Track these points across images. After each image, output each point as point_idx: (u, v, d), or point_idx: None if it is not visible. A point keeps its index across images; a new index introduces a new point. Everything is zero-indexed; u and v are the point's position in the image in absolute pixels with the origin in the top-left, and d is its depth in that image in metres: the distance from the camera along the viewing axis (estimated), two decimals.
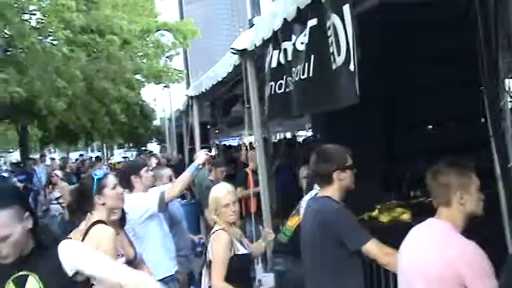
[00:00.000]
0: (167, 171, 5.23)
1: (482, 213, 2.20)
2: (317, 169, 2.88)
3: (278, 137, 15.80)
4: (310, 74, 3.07)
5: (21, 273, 1.96)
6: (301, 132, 17.98)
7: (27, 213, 1.99)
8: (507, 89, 3.39)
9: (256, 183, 5.04)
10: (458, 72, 3.93)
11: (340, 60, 2.46)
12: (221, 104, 9.08)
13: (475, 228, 2.18)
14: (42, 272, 1.98)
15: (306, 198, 3.42)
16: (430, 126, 4.79)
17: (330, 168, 2.80)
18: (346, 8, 2.37)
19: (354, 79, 2.32)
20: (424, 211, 2.39)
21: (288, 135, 18.05)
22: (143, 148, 26.21)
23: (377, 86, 4.25)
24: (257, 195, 4.93)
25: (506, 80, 3.37)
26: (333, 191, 2.82)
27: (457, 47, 3.70)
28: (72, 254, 2.03)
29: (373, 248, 2.60)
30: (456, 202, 2.12)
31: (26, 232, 1.97)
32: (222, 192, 3.35)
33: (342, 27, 2.41)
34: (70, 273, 2.01)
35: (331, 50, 2.58)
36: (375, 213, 4.30)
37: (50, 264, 2.00)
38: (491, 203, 2.78)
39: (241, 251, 3.28)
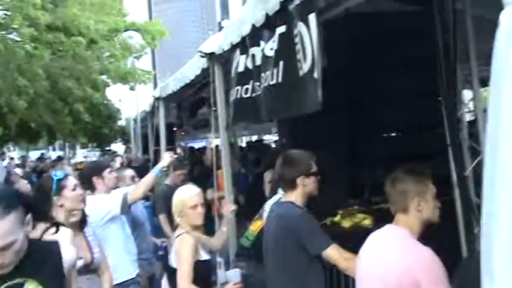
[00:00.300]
0: (129, 172, 5.20)
1: (439, 220, 2.27)
2: (282, 174, 2.91)
3: (246, 140, 15.87)
4: (279, 80, 3.11)
5: (16, 281, 1.83)
6: (267, 136, 18.08)
7: (28, 216, 1.87)
8: (464, 100, 3.52)
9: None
10: (420, 81, 4.06)
11: (306, 67, 2.51)
12: (188, 106, 9.07)
13: (431, 235, 2.25)
14: (42, 277, 1.87)
15: (270, 202, 3.45)
16: (393, 134, 4.91)
17: (294, 174, 2.84)
18: (312, 17, 2.42)
19: (317, 86, 2.36)
20: (385, 217, 2.44)
21: (255, 138, 18.12)
22: (107, 148, 25.84)
23: (342, 93, 4.34)
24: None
25: (464, 91, 3.51)
26: (296, 196, 2.86)
27: (419, 57, 3.82)
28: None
29: (333, 253, 2.65)
30: (413, 209, 2.18)
31: (26, 237, 1.86)
32: (189, 194, 3.31)
33: (308, 35, 2.46)
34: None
35: (298, 57, 2.63)
36: (337, 218, 4.37)
37: (50, 267, 1.91)
38: (448, 210, 2.88)
39: (204, 257, 3.27)
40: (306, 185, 2.85)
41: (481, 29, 3.00)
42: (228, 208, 3.88)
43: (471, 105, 3.59)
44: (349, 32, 4.56)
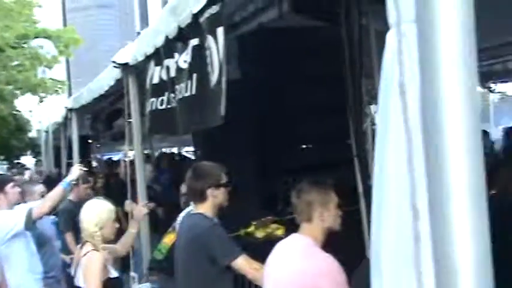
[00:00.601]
0: (39, 187, 4.96)
1: (342, 228, 2.38)
2: (191, 186, 2.92)
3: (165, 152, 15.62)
4: (193, 92, 3.12)
5: None
6: (188, 148, 17.93)
7: None
8: (371, 114, 3.73)
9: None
10: (330, 95, 4.22)
11: (213, 80, 2.54)
12: (104, 117, 8.82)
13: (337, 242, 2.35)
14: None
15: (182, 214, 3.44)
16: (304, 146, 5.07)
17: (204, 185, 2.86)
18: (220, 30, 2.46)
19: (220, 100, 2.40)
20: (297, 227, 2.51)
21: (175, 150, 17.90)
22: (16, 161, 24.39)
23: (255, 105, 4.42)
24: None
25: (371, 106, 3.71)
26: (206, 208, 2.88)
27: (329, 72, 3.98)
28: None
29: (243, 263, 2.69)
30: (317, 218, 2.28)
31: None
32: (104, 208, 3.24)
33: (216, 48, 2.50)
34: None
35: (208, 70, 2.66)
36: (251, 229, 4.42)
37: None
38: (354, 219, 3.01)
39: (113, 274, 3.19)
40: (216, 196, 2.88)
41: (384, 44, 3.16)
42: (141, 210, 3.79)
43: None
44: (264, 46, 4.66)
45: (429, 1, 0.65)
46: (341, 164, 3.86)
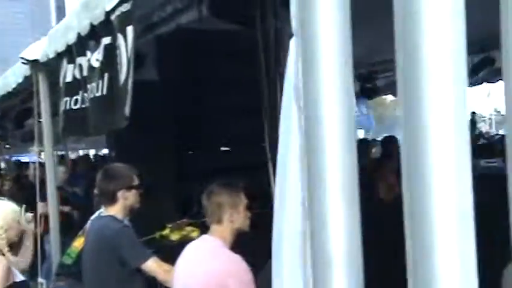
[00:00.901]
0: None
1: (251, 229, 2.43)
2: (102, 188, 2.87)
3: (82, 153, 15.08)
4: (104, 92, 3.05)
5: None
6: (105, 150, 17.39)
7: None
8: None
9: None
10: (247, 98, 4.27)
11: (121, 80, 2.50)
12: (13, 116, 8.35)
13: (247, 244, 2.39)
14: None
15: (92, 217, 3.35)
16: (221, 149, 5.10)
17: (114, 187, 2.81)
18: (130, 29, 2.43)
19: (126, 101, 2.37)
20: None
21: (92, 152, 17.33)
22: None
23: (171, 107, 4.39)
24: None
25: None
26: (116, 210, 2.83)
27: (247, 75, 4.03)
28: None
29: (153, 265, 2.68)
30: (226, 220, 2.31)
31: None
32: (8, 209, 3.10)
33: (125, 48, 2.46)
34: None
35: (118, 69, 2.61)
36: (166, 232, 4.38)
37: None
38: (265, 221, 3.07)
39: (19, 278, 3.04)
40: (127, 198, 2.84)
41: None
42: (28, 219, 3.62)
43: None
44: (183, 47, 4.63)
45: (309, 16, 0.69)
46: (258, 167, 3.92)
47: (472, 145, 0.56)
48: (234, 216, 2.30)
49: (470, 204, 0.49)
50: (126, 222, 2.89)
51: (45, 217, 5.12)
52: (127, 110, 2.34)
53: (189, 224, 4.43)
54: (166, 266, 2.67)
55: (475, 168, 0.57)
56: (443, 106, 0.48)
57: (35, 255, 3.66)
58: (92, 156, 14.35)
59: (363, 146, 6.26)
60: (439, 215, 0.48)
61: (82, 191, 6.85)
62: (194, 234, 4.35)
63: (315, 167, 0.70)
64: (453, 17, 0.46)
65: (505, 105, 0.55)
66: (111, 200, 2.83)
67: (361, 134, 14.73)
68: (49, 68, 4.34)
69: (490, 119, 34.99)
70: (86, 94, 3.55)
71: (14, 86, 5.25)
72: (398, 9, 0.49)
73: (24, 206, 3.51)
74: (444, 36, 0.45)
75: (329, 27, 0.65)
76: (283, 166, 1.42)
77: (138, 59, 4.54)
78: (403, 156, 0.50)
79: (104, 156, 13.63)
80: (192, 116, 4.38)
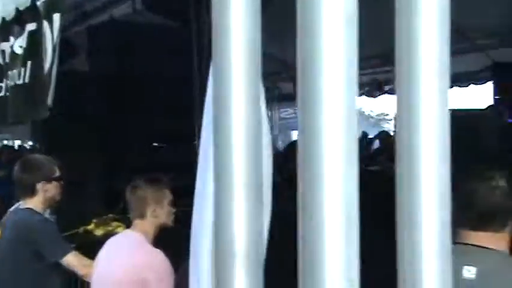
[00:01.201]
0: None
1: (177, 226, 2.42)
2: (20, 179, 2.77)
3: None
4: (26, 81, 2.94)
5: None
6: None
7: None
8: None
9: None
10: (180, 95, 4.25)
11: (46, 68, 2.43)
12: None
13: (170, 240, 2.39)
14: None
15: (10, 210, 3.22)
16: (152, 144, 5.04)
17: (34, 179, 2.73)
18: (57, 17, 2.36)
19: (49, 91, 2.30)
20: None
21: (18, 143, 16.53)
22: None
23: (102, 99, 4.30)
24: None
25: None
26: (36, 203, 2.75)
27: (182, 71, 4.00)
28: None
29: (72, 259, 2.64)
30: (150, 215, 2.30)
31: None
32: None
33: (50, 36, 2.39)
34: None
35: (43, 58, 2.53)
36: (91, 226, 4.27)
37: None
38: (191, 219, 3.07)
39: None
40: (48, 191, 2.77)
41: None
42: None
43: None
44: (116, 40, 4.54)
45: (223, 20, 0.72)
46: (189, 164, 3.91)
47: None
48: (157, 211, 2.30)
49: (356, 201, 0.54)
50: (47, 215, 2.81)
51: None
52: (49, 100, 2.27)
53: (115, 220, 4.35)
54: (86, 260, 2.63)
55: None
56: (335, 109, 0.52)
57: None
58: (16, 147, 13.69)
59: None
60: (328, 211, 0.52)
61: (3, 183, 6.53)
62: (120, 229, 4.26)
63: (221, 161, 0.72)
64: (346, 25, 0.50)
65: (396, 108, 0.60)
66: (30, 192, 2.74)
67: None
68: None
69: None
70: (8, 81, 3.41)
71: None
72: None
73: None
74: (338, 44, 0.49)
75: (239, 32, 0.68)
76: (205, 161, 1.43)
77: (69, 48, 4.41)
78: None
79: (30, 148, 13.08)
80: (123, 110, 4.30)
